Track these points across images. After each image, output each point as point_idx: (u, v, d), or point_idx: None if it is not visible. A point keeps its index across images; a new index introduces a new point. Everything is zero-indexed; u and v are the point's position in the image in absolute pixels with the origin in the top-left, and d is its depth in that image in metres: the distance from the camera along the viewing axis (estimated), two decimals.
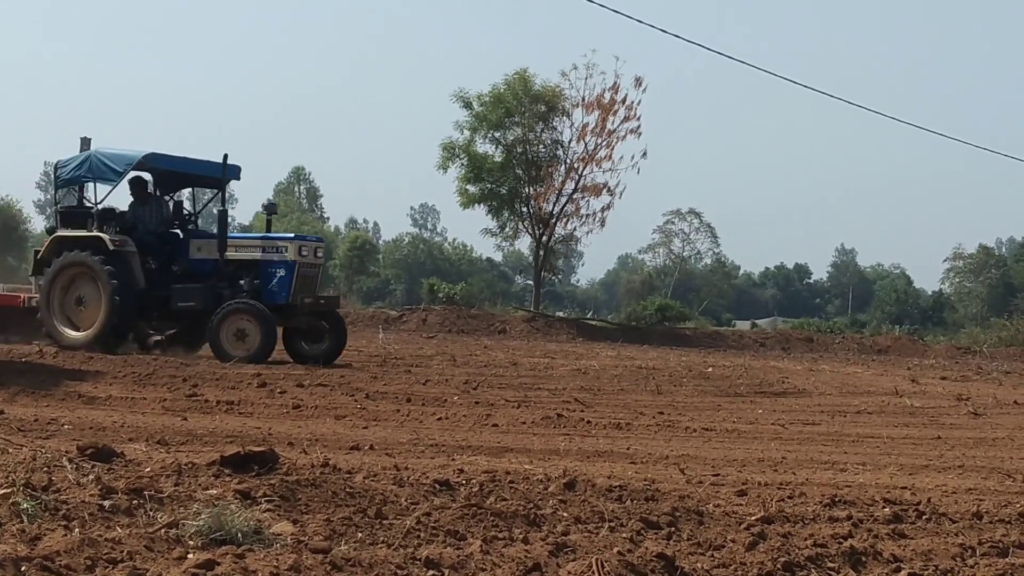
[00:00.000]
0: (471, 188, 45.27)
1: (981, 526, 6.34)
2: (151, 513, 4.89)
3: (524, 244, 51.95)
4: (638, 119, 43.85)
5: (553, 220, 45.53)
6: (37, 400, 10.75)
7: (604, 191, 45.03)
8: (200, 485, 5.52)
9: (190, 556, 4.30)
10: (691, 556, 5.13)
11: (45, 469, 5.51)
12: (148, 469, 5.83)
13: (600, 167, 44.72)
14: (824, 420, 12.96)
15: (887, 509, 6.60)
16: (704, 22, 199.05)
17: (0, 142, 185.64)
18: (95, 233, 17.89)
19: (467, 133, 44.86)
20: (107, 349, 17.02)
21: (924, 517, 6.46)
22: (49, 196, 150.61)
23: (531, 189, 45.41)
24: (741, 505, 6.65)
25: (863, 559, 5.31)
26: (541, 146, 45.40)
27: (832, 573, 5.08)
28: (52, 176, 19.01)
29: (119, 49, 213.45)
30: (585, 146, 44.64)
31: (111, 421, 9.51)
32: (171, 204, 19.52)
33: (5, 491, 4.86)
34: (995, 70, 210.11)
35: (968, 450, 10.66)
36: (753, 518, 6.01)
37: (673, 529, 5.65)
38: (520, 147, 44.94)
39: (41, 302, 18.02)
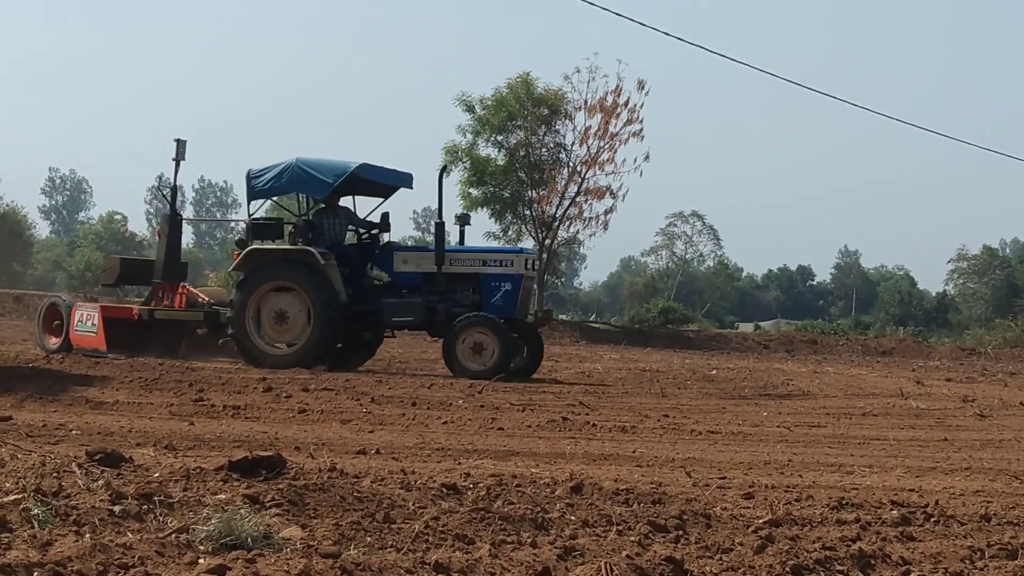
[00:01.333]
0: (474, 191, 45.24)
1: (989, 528, 6.33)
2: (161, 518, 4.91)
3: (527, 247, 51.96)
4: (640, 122, 43.89)
5: (556, 223, 45.54)
6: (45, 406, 10.75)
7: (607, 194, 45.06)
8: (209, 490, 5.54)
9: (201, 561, 4.31)
10: (699, 559, 5.13)
11: (55, 475, 5.53)
12: (157, 474, 5.85)
13: (603, 170, 44.75)
14: (830, 422, 12.94)
15: (895, 511, 6.59)
16: (706, 24, 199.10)
17: (4, 147, 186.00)
18: (303, 247, 17.43)
19: (470, 136, 44.86)
20: (310, 365, 16.72)
21: (932, 519, 6.46)
22: (54, 202, 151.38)
23: (534, 192, 45.40)
24: (748, 508, 6.65)
25: (872, 562, 5.31)
26: (544, 149, 45.39)
27: None
28: (246, 187, 18.06)
29: (116, 46, 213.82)
30: (588, 149, 44.66)
31: (119, 426, 9.52)
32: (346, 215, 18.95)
33: (15, 497, 4.87)
34: (999, 71, 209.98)
35: (975, 452, 10.64)
36: (761, 521, 6.02)
37: (681, 532, 5.66)
38: (523, 150, 44.91)
39: (235, 317, 17.38)
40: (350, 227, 19.00)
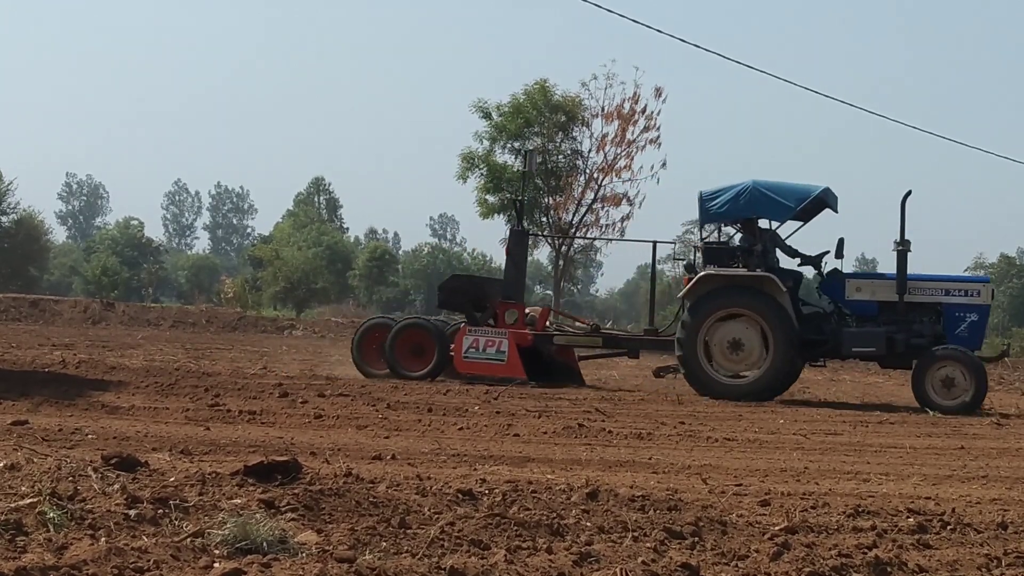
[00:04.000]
0: (490, 198, 45.27)
1: (1006, 536, 6.31)
2: (176, 522, 4.91)
3: (543, 254, 52.03)
4: (658, 129, 43.88)
5: (572, 230, 45.55)
6: (61, 410, 10.78)
7: (623, 201, 45.06)
8: (224, 494, 5.55)
9: (216, 565, 4.32)
10: (715, 566, 5.12)
11: (70, 478, 5.53)
12: (172, 478, 5.86)
13: (619, 177, 44.74)
14: (846, 430, 12.91)
15: (911, 519, 6.57)
16: (723, 32, 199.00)
17: (22, 152, 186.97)
18: (764, 274, 16.71)
19: (486, 143, 44.91)
20: (768, 397, 16.23)
21: (949, 527, 6.43)
22: (71, 207, 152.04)
23: (550, 199, 45.43)
24: (764, 515, 6.63)
25: (888, 569, 5.29)
26: (560, 156, 45.42)
27: None
28: (699, 209, 17.28)
29: (130, 52, 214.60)
30: (604, 156, 44.67)
31: (134, 431, 9.53)
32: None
33: (31, 500, 4.88)
34: (1017, 78, 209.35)
35: (992, 460, 10.62)
36: (777, 528, 6.00)
37: (697, 539, 5.64)
38: (540, 157, 44.94)
39: (685, 345, 16.67)
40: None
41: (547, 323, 18.68)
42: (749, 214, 17.25)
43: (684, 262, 17.95)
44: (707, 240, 17.66)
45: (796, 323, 16.68)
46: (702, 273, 16.94)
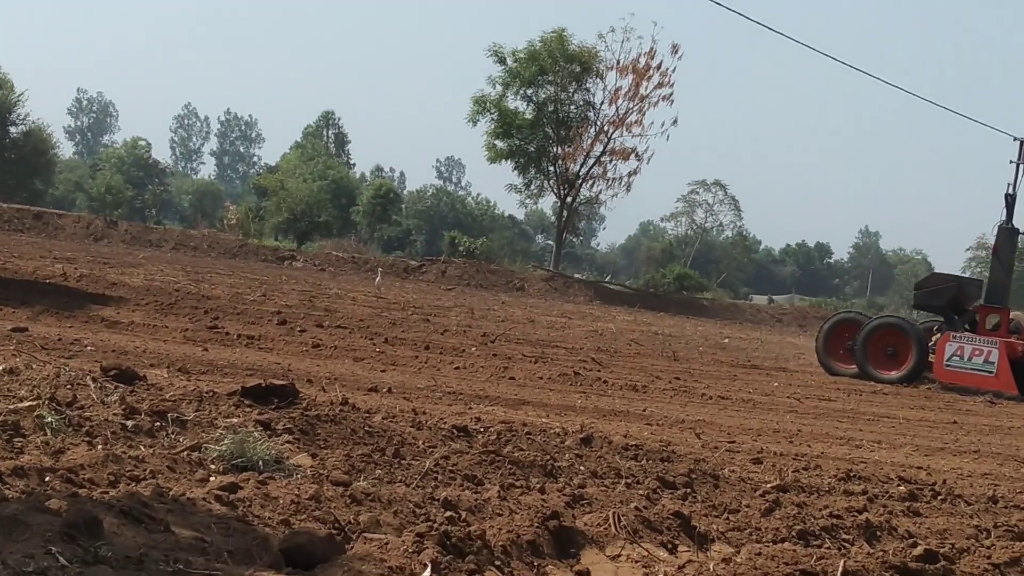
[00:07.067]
0: (499, 143, 45.15)
1: (996, 510, 6.35)
2: (173, 436, 4.93)
3: (547, 204, 51.96)
4: (672, 86, 43.72)
5: (579, 181, 45.47)
6: (60, 320, 10.78)
7: (632, 156, 44.97)
8: (221, 413, 5.56)
9: (212, 479, 4.33)
10: (706, 517, 5.14)
11: (69, 386, 5.54)
12: (170, 394, 5.86)
13: (630, 132, 44.66)
14: (840, 397, 12.96)
15: (902, 487, 6.61)
16: None
17: (34, 64, 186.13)
18: None
19: (499, 88, 44.73)
20: None
21: (939, 497, 6.47)
22: (80, 123, 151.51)
23: (559, 148, 45.33)
24: (756, 472, 6.67)
25: (878, 533, 5.31)
26: (572, 106, 45.27)
27: (847, 544, 5.08)
28: None
29: None
30: (616, 110, 44.54)
31: (133, 346, 9.54)
32: None
33: (30, 404, 4.88)
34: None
35: (983, 436, 10.67)
36: (769, 486, 6.03)
37: (689, 490, 5.68)
38: (551, 106, 44.80)
39: None
40: None
41: None
42: None
43: None
44: None
45: None
46: None
